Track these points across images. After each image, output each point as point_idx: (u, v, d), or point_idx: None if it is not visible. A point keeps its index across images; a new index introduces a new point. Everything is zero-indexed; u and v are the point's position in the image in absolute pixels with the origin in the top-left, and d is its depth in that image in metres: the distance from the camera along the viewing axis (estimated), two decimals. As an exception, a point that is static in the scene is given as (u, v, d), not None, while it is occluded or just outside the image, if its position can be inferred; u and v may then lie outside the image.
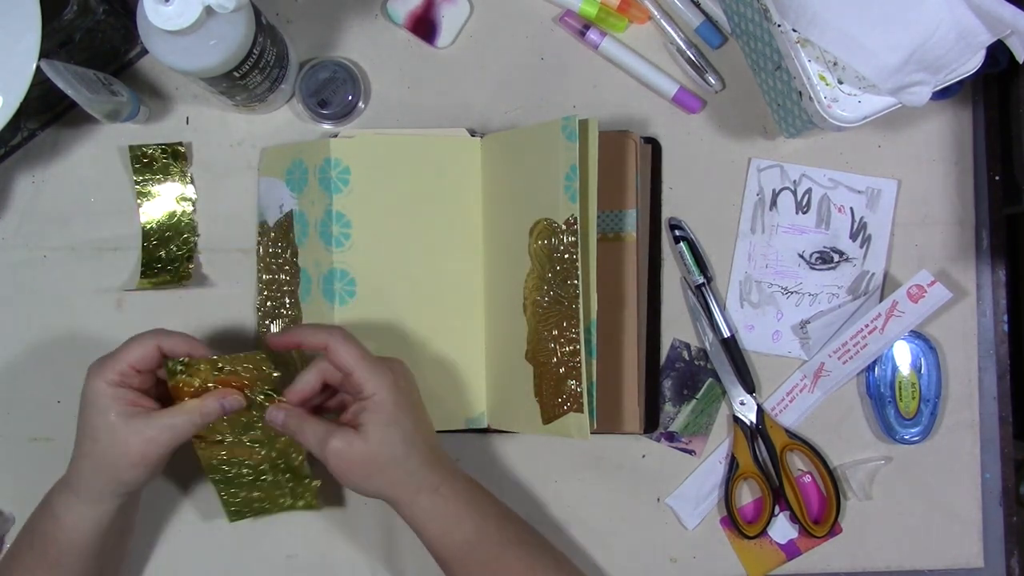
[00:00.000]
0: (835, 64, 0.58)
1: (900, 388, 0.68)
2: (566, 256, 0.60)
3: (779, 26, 0.58)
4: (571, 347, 0.60)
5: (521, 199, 0.64)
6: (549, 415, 0.61)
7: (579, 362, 0.59)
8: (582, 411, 0.59)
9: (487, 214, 0.67)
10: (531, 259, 0.63)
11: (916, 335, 0.69)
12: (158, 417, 0.56)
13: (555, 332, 0.61)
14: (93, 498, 0.57)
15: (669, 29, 0.69)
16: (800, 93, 0.60)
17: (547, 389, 0.61)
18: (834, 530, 0.68)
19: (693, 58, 0.69)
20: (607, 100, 0.70)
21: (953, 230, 0.70)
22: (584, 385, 0.59)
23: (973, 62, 0.56)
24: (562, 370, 0.60)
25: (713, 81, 0.69)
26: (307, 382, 0.59)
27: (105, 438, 0.55)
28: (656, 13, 0.70)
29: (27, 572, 0.58)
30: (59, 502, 0.58)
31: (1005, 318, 0.71)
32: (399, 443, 0.56)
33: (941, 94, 0.70)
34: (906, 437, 0.68)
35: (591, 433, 0.60)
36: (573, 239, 0.59)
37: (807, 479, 0.69)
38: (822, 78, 0.58)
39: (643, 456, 0.69)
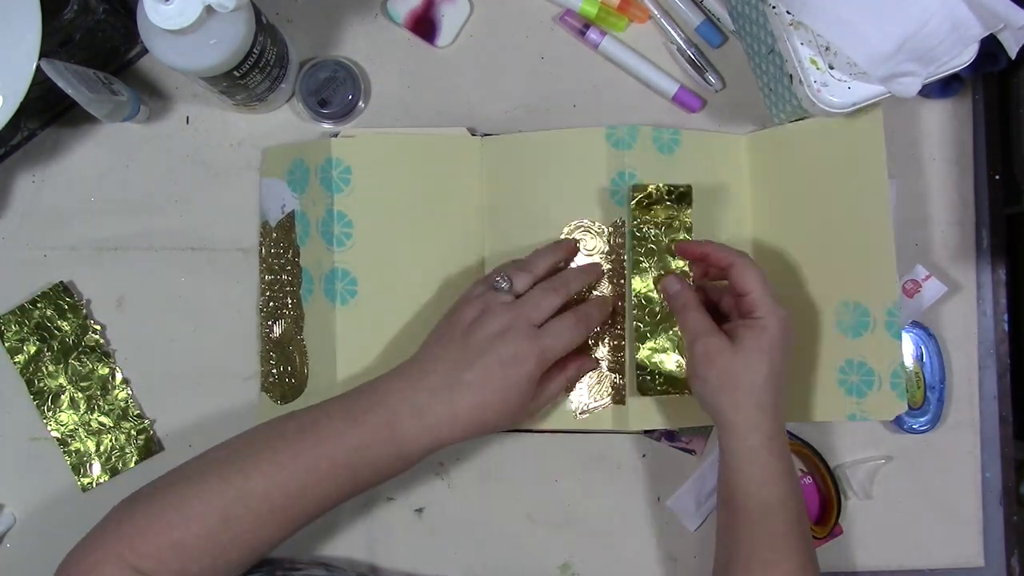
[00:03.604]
0: (827, 49, 0.58)
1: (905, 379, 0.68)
2: (612, 257, 0.65)
3: (774, 7, 0.58)
4: (616, 342, 0.65)
5: (546, 202, 0.66)
6: (584, 407, 0.65)
7: (623, 357, 0.64)
8: (623, 403, 0.64)
9: (493, 214, 0.67)
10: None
11: (915, 324, 0.69)
12: (544, 391, 0.60)
13: (596, 329, 0.64)
14: (439, 438, 0.56)
15: (669, 28, 0.70)
16: (791, 76, 0.59)
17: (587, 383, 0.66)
18: (834, 531, 0.68)
19: (693, 57, 0.69)
20: (607, 100, 0.70)
21: (953, 229, 0.70)
22: (627, 378, 0.64)
23: (965, 56, 0.56)
24: (606, 364, 0.65)
25: (713, 80, 0.69)
26: (701, 249, 0.61)
27: (514, 408, 0.57)
28: (656, 12, 0.70)
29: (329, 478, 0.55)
30: (411, 438, 0.55)
31: (1005, 317, 0.71)
32: (763, 374, 0.56)
33: (941, 92, 0.70)
34: (915, 427, 0.68)
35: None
36: (621, 240, 0.65)
37: (807, 480, 0.69)
38: (813, 62, 0.58)
39: (643, 456, 0.69)
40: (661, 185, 0.62)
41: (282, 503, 0.53)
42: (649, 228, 0.63)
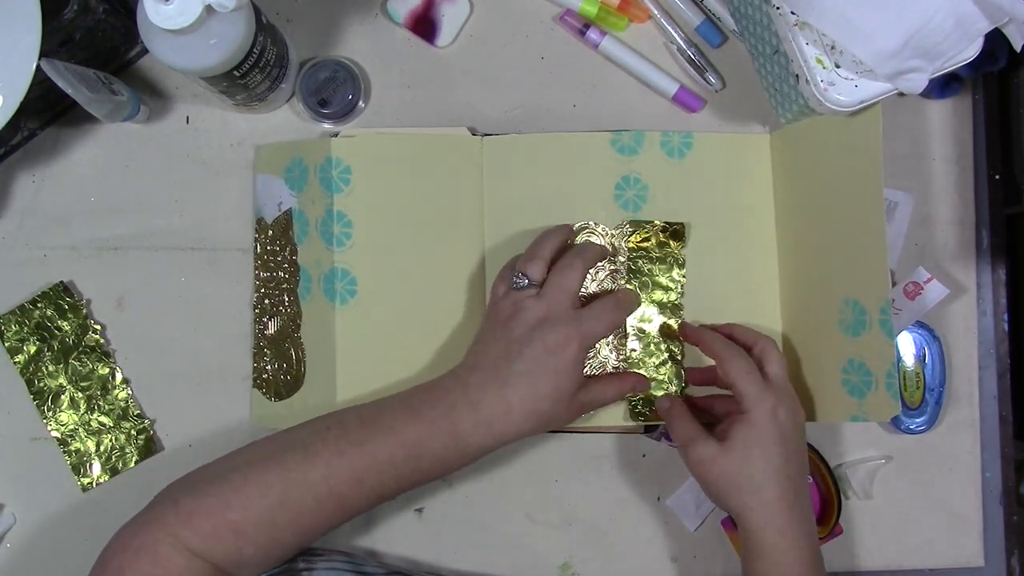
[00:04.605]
0: (832, 48, 0.57)
1: (905, 378, 0.68)
2: (618, 258, 0.66)
3: (778, 8, 0.58)
4: (620, 340, 0.66)
5: (548, 203, 0.67)
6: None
7: (634, 351, 0.65)
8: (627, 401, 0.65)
9: (493, 214, 0.67)
10: None
11: (919, 324, 0.69)
12: (594, 389, 0.60)
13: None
14: (495, 433, 0.56)
15: (669, 28, 0.70)
16: (797, 76, 0.59)
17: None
18: (835, 531, 0.68)
19: (693, 57, 0.69)
20: (607, 100, 0.70)
21: (954, 229, 0.70)
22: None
23: (970, 50, 0.56)
24: (610, 363, 0.65)
25: (713, 80, 0.69)
26: (695, 334, 0.63)
27: (566, 396, 0.57)
28: (656, 12, 0.70)
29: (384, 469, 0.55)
30: (469, 431, 0.56)
31: (1005, 317, 0.71)
32: (759, 469, 0.56)
33: (941, 93, 0.70)
34: (911, 427, 0.68)
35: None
36: (624, 243, 0.66)
37: (807, 480, 0.69)
38: (819, 61, 0.57)
39: (643, 456, 0.69)
40: (657, 222, 0.66)
41: (340, 490, 0.54)
42: (643, 263, 0.66)
